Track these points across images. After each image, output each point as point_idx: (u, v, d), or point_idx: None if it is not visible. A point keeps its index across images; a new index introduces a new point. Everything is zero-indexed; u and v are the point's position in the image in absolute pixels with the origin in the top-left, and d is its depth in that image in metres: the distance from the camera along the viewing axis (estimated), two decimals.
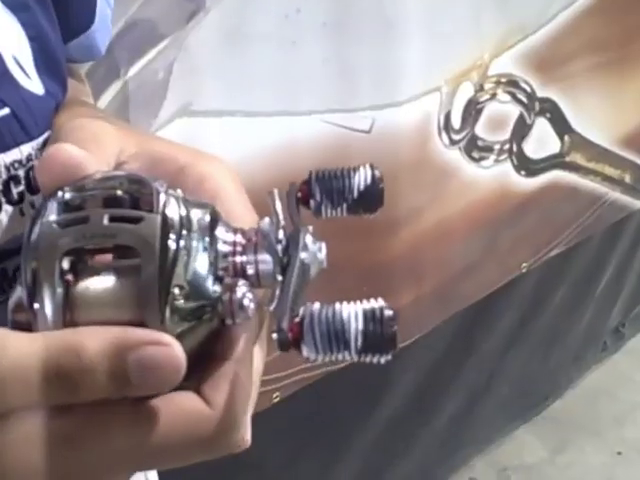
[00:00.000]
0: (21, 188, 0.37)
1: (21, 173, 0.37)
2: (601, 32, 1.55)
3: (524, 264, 1.64)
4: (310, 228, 0.30)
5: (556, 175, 1.63)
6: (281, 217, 0.30)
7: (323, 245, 0.30)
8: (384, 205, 0.33)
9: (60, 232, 0.27)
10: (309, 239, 0.30)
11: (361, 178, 0.32)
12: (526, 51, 1.44)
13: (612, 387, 2.00)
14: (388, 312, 0.28)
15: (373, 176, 0.32)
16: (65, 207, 0.28)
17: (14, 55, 0.38)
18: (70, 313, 0.27)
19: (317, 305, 0.28)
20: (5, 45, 0.37)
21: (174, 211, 0.28)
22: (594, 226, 1.78)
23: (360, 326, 0.28)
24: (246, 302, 0.28)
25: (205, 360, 0.28)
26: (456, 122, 1.37)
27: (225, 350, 0.29)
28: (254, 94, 1.04)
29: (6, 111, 0.36)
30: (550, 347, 1.90)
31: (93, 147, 0.33)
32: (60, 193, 0.28)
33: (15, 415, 0.26)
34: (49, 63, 0.40)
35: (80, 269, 0.27)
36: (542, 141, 1.57)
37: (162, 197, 0.28)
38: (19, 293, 0.27)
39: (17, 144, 0.37)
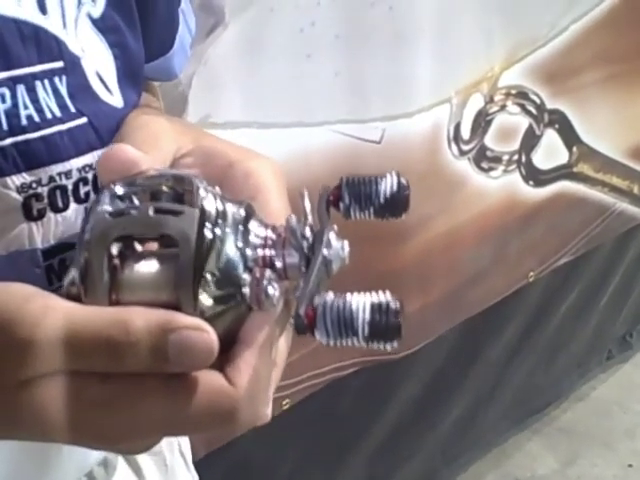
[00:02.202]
0: (88, 188, 0.41)
1: (90, 176, 0.41)
2: (610, 45, 1.56)
3: (531, 273, 1.65)
4: (335, 227, 0.33)
5: (564, 185, 1.64)
6: (309, 215, 0.33)
7: (346, 243, 0.33)
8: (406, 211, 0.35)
9: (111, 221, 0.31)
10: (333, 237, 0.33)
11: (387, 185, 0.35)
12: (536, 63, 1.45)
13: (623, 399, 2.00)
14: (393, 305, 0.30)
15: (399, 183, 0.35)
16: (117, 199, 0.31)
17: (97, 71, 0.41)
18: (115, 293, 0.30)
19: (331, 295, 0.31)
20: (90, 62, 0.41)
21: (211, 206, 0.31)
22: (602, 236, 1.78)
23: (367, 316, 0.30)
24: (271, 290, 0.31)
25: (231, 342, 0.31)
26: (466, 133, 1.38)
27: (250, 335, 0.31)
28: (269, 106, 1.06)
29: (83, 120, 0.40)
30: (554, 355, 1.91)
31: (152, 145, 0.37)
32: (113, 186, 0.31)
33: (58, 376, 0.29)
34: (130, 79, 0.44)
35: (127, 255, 0.31)
36: (551, 152, 1.58)
37: (201, 193, 0.31)
38: (73, 273, 0.30)
39: (91, 149, 0.40)
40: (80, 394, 0.29)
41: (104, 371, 0.29)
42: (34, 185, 0.38)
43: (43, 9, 0.39)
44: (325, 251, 0.32)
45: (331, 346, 0.31)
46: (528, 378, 1.85)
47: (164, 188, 0.32)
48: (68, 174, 0.40)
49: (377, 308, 0.30)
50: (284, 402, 1.28)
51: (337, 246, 0.33)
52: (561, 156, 1.62)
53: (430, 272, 1.42)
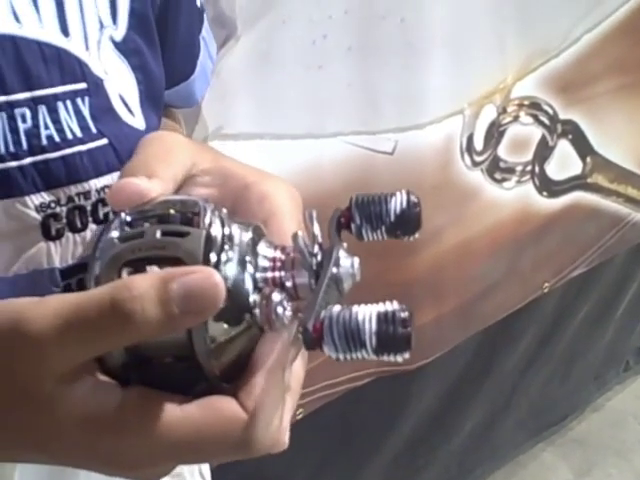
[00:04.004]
0: (107, 209, 0.41)
1: (87, 205, 0.41)
2: (623, 55, 1.55)
3: (546, 284, 1.64)
4: (345, 245, 0.33)
5: (578, 196, 1.63)
6: (318, 234, 0.33)
7: (356, 260, 0.32)
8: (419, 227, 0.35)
9: (119, 245, 0.31)
10: (342, 254, 0.32)
11: (397, 203, 0.35)
12: (549, 74, 1.45)
13: (639, 410, 1.99)
14: (401, 314, 0.29)
15: (409, 200, 0.35)
16: (126, 225, 0.32)
17: (120, 94, 0.42)
18: None
19: (337, 307, 0.30)
20: (113, 85, 0.42)
21: (217, 228, 0.31)
22: (617, 247, 1.78)
23: (374, 327, 0.29)
24: (280, 310, 0.30)
25: (244, 367, 0.31)
26: (479, 144, 1.38)
27: (262, 359, 0.31)
28: (282, 117, 1.06)
29: (104, 141, 0.41)
30: (571, 366, 1.90)
31: (163, 159, 0.36)
32: (122, 215, 0.32)
33: (79, 381, 0.29)
34: (152, 102, 0.45)
35: None
36: (564, 162, 1.58)
37: (208, 216, 0.31)
38: None
39: (110, 171, 0.41)
40: (97, 420, 0.29)
41: (119, 341, 0.29)
42: (53, 205, 0.39)
43: (65, 31, 0.40)
44: (335, 269, 0.32)
45: (341, 361, 0.30)
46: (544, 389, 1.85)
47: (172, 212, 0.32)
48: (87, 195, 0.40)
49: (384, 318, 0.30)
50: (298, 412, 1.28)
51: (347, 264, 0.32)
52: (575, 167, 1.61)
53: (444, 283, 1.42)
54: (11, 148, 0.37)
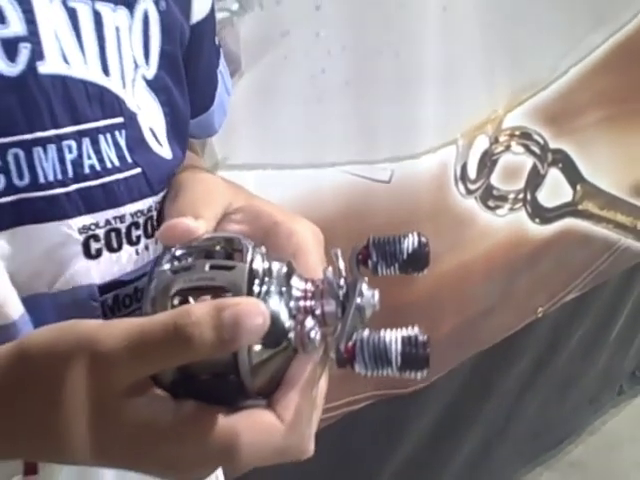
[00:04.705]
0: (139, 232, 0.45)
1: (141, 221, 0.45)
2: (609, 87, 1.59)
3: (540, 308, 1.67)
4: (366, 279, 0.37)
5: (569, 223, 1.66)
6: (342, 269, 0.37)
7: (376, 292, 0.37)
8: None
9: (172, 276, 0.35)
10: (364, 287, 0.37)
11: (409, 243, 0.39)
12: (538, 105, 1.49)
13: (635, 433, 2.00)
14: (421, 338, 0.35)
15: (419, 241, 0.39)
16: (176, 260, 0.36)
17: (150, 127, 0.46)
18: None
19: (367, 332, 0.35)
20: (144, 118, 0.46)
21: (259, 263, 0.36)
22: (608, 272, 1.80)
23: (399, 348, 0.35)
24: (313, 334, 0.35)
25: (279, 384, 0.36)
26: (472, 173, 1.41)
27: (295, 377, 0.36)
28: (283, 149, 1.10)
29: (138, 170, 0.45)
30: (566, 390, 1.91)
31: (206, 201, 0.42)
32: (173, 249, 0.37)
33: (140, 395, 0.33)
34: (178, 133, 0.49)
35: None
36: (555, 190, 1.61)
37: (250, 252, 0.36)
38: None
39: (142, 197, 0.45)
40: (155, 428, 0.33)
41: (179, 360, 0.33)
42: (93, 227, 0.43)
43: (106, 71, 0.43)
44: (358, 299, 0.36)
45: (368, 376, 0.35)
46: (540, 413, 1.86)
47: (217, 248, 0.37)
48: (122, 218, 0.44)
49: (407, 341, 0.35)
50: None
51: (368, 295, 0.37)
52: (565, 194, 1.65)
53: (441, 307, 1.44)
54: (59, 176, 0.41)
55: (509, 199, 1.52)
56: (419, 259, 0.39)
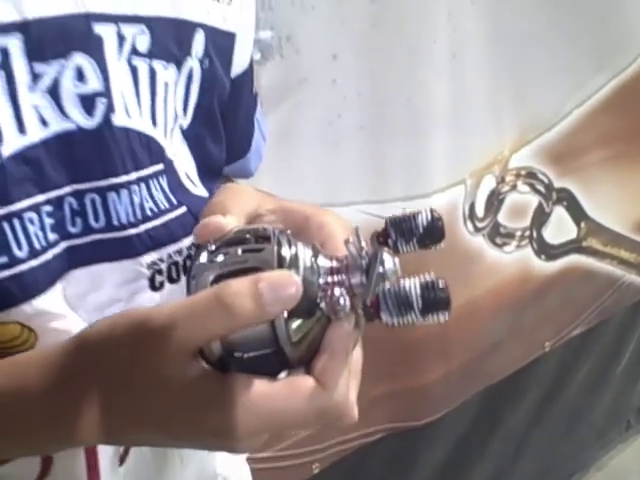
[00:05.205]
0: (174, 274, 0.49)
1: (180, 260, 0.49)
2: (611, 127, 1.62)
3: (547, 343, 1.68)
4: (386, 248, 0.40)
5: (574, 259, 1.68)
6: (363, 244, 0.40)
7: (397, 259, 0.40)
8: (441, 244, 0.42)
9: (209, 265, 0.39)
10: (385, 255, 0.39)
11: (423, 218, 0.42)
12: (543, 146, 1.52)
13: None
14: (439, 281, 0.38)
15: (432, 215, 0.42)
16: (211, 253, 0.40)
17: (186, 171, 0.51)
18: None
19: (387, 284, 0.38)
20: (180, 165, 0.50)
21: (286, 245, 0.39)
22: (613, 307, 1.81)
23: (419, 292, 0.37)
24: (342, 301, 0.38)
25: (316, 352, 0.39)
26: (480, 211, 1.44)
27: (330, 344, 0.39)
28: (302, 188, 1.14)
29: (184, 209, 0.49)
30: (573, 425, 1.91)
31: (235, 199, 0.46)
32: (208, 244, 0.40)
33: (192, 364, 0.36)
34: (209, 176, 0.53)
35: None
36: (560, 227, 1.63)
37: (277, 235, 0.39)
38: None
39: (187, 235, 0.49)
40: (205, 398, 0.36)
41: (223, 328, 0.35)
42: (158, 262, 0.47)
43: (155, 122, 0.48)
44: (381, 268, 0.39)
45: (396, 326, 0.38)
46: (548, 448, 1.86)
47: (247, 236, 0.40)
48: (180, 252, 0.48)
49: (425, 285, 0.37)
50: (314, 466, 1.33)
51: (390, 262, 0.39)
52: (570, 231, 1.67)
53: (450, 342, 1.45)
54: (131, 218, 0.45)
55: (516, 236, 1.54)
56: (435, 231, 0.41)
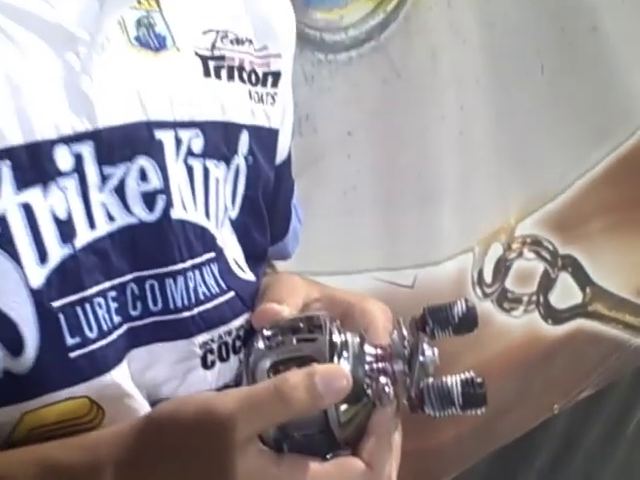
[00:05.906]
0: (240, 343, 0.53)
1: (242, 333, 0.53)
2: (612, 197, 1.65)
3: (556, 405, 1.68)
4: (425, 338, 0.44)
5: (580, 323, 1.69)
6: (405, 333, 0.44)
7: (436, 350, 0.44)
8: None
9: (266, 351, 0.44)
10: (426, 346, 0.44)
11: (459, 308, 0.46)
12: (548, 214, 1.56)
13: None
14: (478, 379, 0.42)
15: (467, 306, 0.46)
16: (267, 339, 0.44)
17: (234, 258, 0.56)
18: None
19: (431, 379, 0.42)
20: (229, 252, 0.55)
21: (336, 334, 0.43)
22: (620, 370, 1.81)
23: (460, 390, 0.42)
24: (387, 389, 0.42)
25: (362, 435, 0.43)
26: (488, 277, 1.48)
27: (376, 427, 0.43)
28: (318, 257, 1.18)
29: (232, 294, 0.53)
30: None
31: (290, 293, 0.51)
32: (264, 330, 0.45)
33: (252, 448, 0.40)
34: (255, 261, 0.58)
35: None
36: (566, 293, 1.65)
37: (327, 325, 0.44)
38: None
39: (241, 313, 0.53)
40: (264, 476, 0.40)
41: (282, 417, 0.40)
42: (210, 342, 0.51)
43: (208, 215, 0.52)
44: (421, 357, 0.43)
45: (437, 418, 0.42)
46: None
47: (301, 325, 0.44)
48: (230, 332, 0.52)
49: (465, 383, 0.42)
50: None
51: (429, 352, 0.43)
52: (575, 296, 1.68)
53: None
54: (186, 302, 0.49)
55: (523, 301, 1.57)
56: (469, 321, 0.46)
